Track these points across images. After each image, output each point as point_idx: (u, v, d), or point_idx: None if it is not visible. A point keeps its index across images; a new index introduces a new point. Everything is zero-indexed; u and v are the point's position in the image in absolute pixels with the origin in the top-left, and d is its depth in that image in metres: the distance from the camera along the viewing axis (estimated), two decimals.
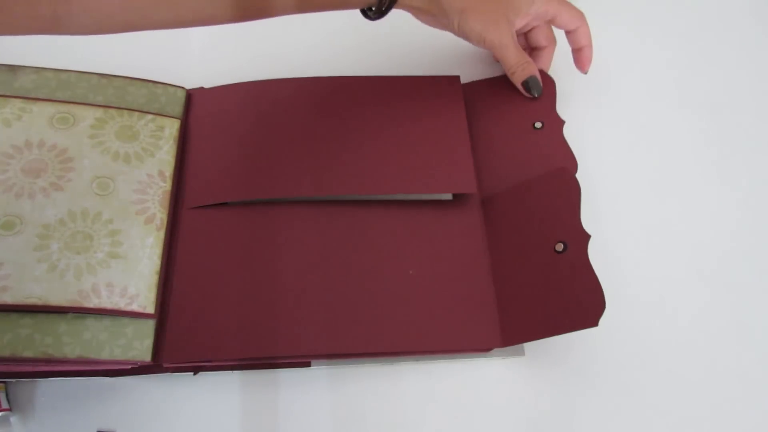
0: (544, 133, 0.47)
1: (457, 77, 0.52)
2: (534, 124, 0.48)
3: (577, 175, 0.43)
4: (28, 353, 0.38)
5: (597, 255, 0.40)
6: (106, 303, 0.40)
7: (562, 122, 0.47)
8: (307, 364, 0.43)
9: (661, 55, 0.59)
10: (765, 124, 0.55)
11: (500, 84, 0.51)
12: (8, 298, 0.39)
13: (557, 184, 0.44)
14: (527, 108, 0.49)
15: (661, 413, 0.43)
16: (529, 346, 0.44)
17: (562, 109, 0.48)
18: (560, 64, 0.52)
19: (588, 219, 0.41)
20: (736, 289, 0.47)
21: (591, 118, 0.54)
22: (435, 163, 0.47)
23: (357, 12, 0.47)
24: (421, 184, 0.46)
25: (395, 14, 0.47)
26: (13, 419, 0.41)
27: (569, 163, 0.45)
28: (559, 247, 0.41)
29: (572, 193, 0.42)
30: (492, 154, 0.49)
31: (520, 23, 0.47)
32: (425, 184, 0.46)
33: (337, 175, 0.46)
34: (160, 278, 0.42)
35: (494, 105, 0.51)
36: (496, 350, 0.44)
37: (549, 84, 0.49)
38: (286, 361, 0.43)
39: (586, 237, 0.40)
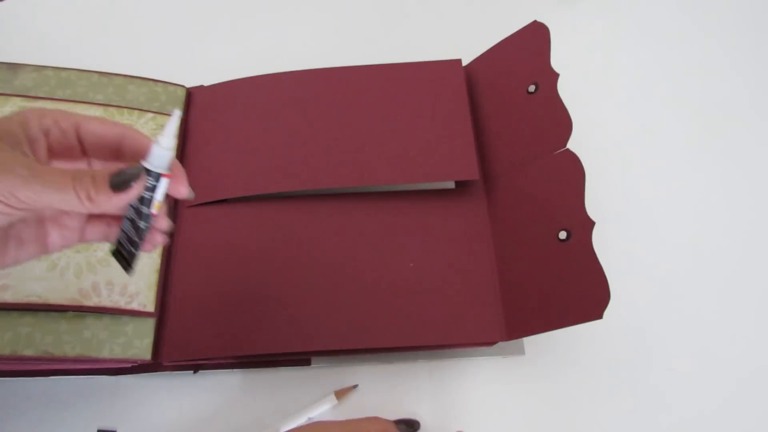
0: (538, 96, 0.45)
1: (459, 61, 0.51)
2: (528, 89, 0.46)
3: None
4: (28, 352, 0.38)
5: (601, 241, 0.38)
6: (106, 301, 0.40)
7: (557, 75, 0.44)
8: (308, 363, 0.43)
9: (657, 52, 0.59)
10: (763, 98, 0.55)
11: (495, 53, 0.50)
12: (9, 297, 0.39)
13: (560, 165, 0.42)
14: (521, 68, 0.47)
15: (662, 412, 0.43)
16: (530, 346, 0.44)
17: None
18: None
19: (591, 205, 0.39)
20: (738, 287, 0.47)
21: (588, 119, 0.54)
22: (437, 151, 0.47)
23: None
24: (423, 173, 0.46)
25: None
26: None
27: (564, 127, 0.42)
28: (563, 235, 0.40)
29: (575, 175, 0.40)
30: (493, 129, 0.48)
31: None
32: (426, 173, 0.46)
33: (336, 168, 0.46)
34: (159, 276, 0.42)
35: (491, 76, 0.50)
36: (496, 349, 0.43)
37: (543, 33, 0.46)
38: (287, 359, 0.42)
39: (591, 224, 0.38)
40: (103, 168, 0.28)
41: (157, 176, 0.28)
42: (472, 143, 0.47)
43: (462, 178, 0.46)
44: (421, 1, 0.61)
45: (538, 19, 0.47)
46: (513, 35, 0.49)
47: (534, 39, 0.47)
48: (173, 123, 0.28)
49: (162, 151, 0.28)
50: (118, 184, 0.27)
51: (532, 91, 0.45)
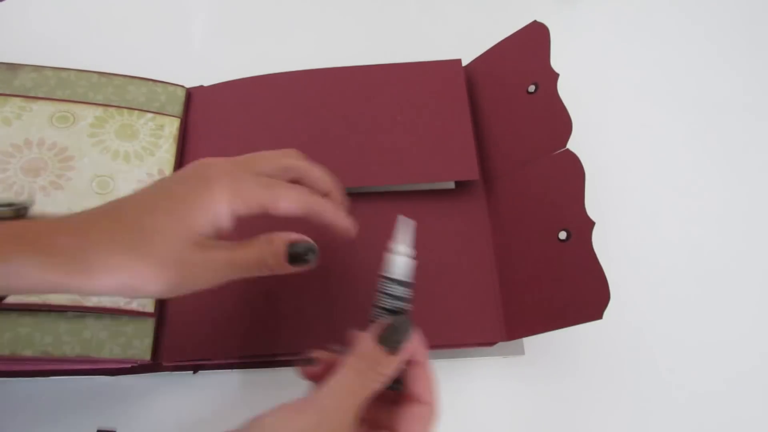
0: (538, 96, 0.45)
1: (459, 61, 0.51)
2: (528, 89, 0.46)
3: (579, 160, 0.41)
4: (28, 352, 0.38)
5: (602, 241, 0.39)
6: (105, 301, 0.40)
7: (556, 76, 0.44)
8: (308, 361, 0.43)
9: (658, 53, 0.59)
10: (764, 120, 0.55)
11: (495, 53, 0.50)
12: (8, 297, 0.39)
13: (560, 165, 0.42)
14: (521, 68, 0.48)
15: (662, 412, 0.43)
16: (529, 345, 0.44)
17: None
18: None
19: (590, 201, 0.40)
20: (739, 286, 0.47)
21: (588, 119, 0.54)
22: (437, 152, 0.47)
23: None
24: (422, 174, 0.46)
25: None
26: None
27: (564, 127, 0.42)
28: (563, 235, 0.40)
29: (575, 175, 0.40)
30: (493, 129, 0.49)
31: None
32: (426, 173, 0.46)
33: (336, 168, 0.46)
34: None
35: (491, 76, 0.50)
36: (496, 349, 0.43)
37: (542, 34, 0.46)
38: (286, 359, 0.42)
39: (590, 224, 0.38)
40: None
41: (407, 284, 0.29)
42: (472, 143, 0.47)
43: (462, 178, 0.46)
44: (421, 0, 0.61)
45: (538, 19, 0.47)
46: (513, 35, 0.49)
47: (534, 39, 0.47)
48: (404, 229, 0.30)
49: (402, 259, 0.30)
50: (294, 260, 0.31)
51: (532, 91, 0.46)
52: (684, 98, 0.56)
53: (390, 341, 0.28)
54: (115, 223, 0.28)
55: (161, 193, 0.30)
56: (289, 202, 0.32)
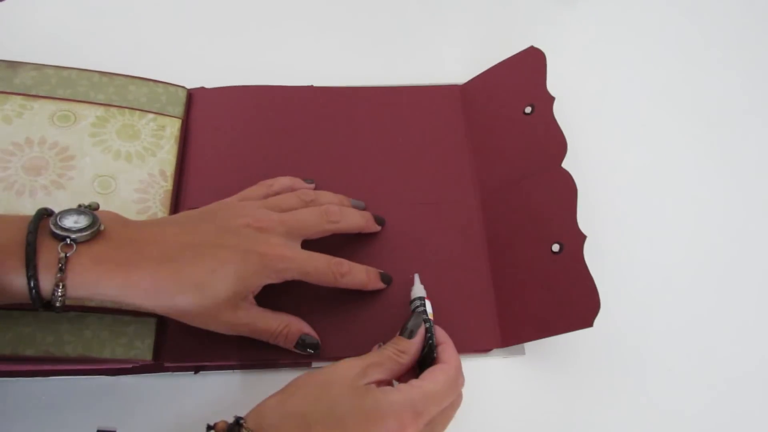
0: (534, 118, 0.47)
1: (457, 87, 0.53)
2: (524, 110, 0.48)
3: (573, 170, 0.43)
4: (29, 352, 0.38)
5: (594, 253, 0.40)
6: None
7: (552, 99, 0.46)
8: (308, 364, 0.43)
9: (657, 54, 0.59)
10: (761, 123, 0.56)
11: (493, 74, 0.52)
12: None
13: (553, 182, 0.44)
14: (518, 90, 0.49)
15: (661, 412, 0.43)
16: (530, 345, 0.45)
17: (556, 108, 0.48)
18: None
19: (584, 215, 0.42)
20: (733, 288, 0.48)
21: (588, 119, 0.54)
22: (432, 181, 0.49)
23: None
24: (418, 199, 0.48)
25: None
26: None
27: (559, 147, 0.44)
28: (556, 247, 0.42)
29: (568, 192, 0.43)
30: (489, 146, 0.50)
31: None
32: (422, 199, 0.48)
33: (333, 185, 0.47)
34: None
35: (489, 96, 0.52)
36: (496, 349, 0.44)
37: (539, 59, 0.48)
38: (287, 360, 0.43)
39: (582, 237, 0.41)
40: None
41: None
42: (468, 174, 0.49)
43: (455, 201, 0.48)
44: (421, 1, 0.61)
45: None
46: (510, 59, 0.51)
47: (531, 63, 0.49)
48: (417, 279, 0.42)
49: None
50: (301, 347, 0.41)
51: (529, 112, 0.47)
52: (684, 100, 0.57)
53: (405, 331, 0.38)
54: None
55: (224, 257, 0.36)
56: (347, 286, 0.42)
